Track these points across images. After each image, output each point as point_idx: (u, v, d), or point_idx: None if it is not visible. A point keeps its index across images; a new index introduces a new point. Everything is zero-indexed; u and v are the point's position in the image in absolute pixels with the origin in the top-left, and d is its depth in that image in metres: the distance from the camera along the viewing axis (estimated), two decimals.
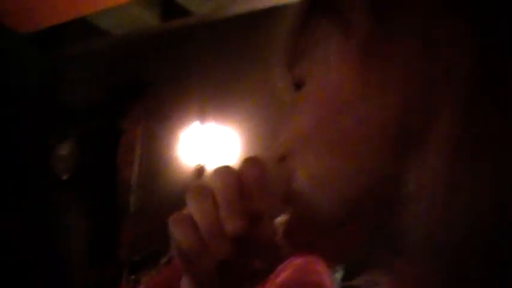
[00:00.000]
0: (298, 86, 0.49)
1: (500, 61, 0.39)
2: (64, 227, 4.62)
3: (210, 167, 4.35)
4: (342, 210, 0.44)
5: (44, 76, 5.01)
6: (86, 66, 4.97)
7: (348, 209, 0.44)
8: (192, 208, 0.45)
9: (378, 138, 0.42)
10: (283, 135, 0.49)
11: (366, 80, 0.43)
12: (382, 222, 0.43)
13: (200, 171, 4.38)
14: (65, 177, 4.79)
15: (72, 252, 4.57)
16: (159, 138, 4.57)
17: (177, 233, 0.45)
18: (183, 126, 4.47)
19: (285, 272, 2.91)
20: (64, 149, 4.82)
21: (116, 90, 4.67)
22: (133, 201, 4.55)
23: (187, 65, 4.46)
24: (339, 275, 2.17)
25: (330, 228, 0.45)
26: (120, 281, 3.98)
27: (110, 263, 4.20)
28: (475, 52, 0.39)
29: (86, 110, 4.80)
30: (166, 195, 4.39)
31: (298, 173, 0.46)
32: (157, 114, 4.55)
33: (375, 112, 0.42)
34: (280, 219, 0.47)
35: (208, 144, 4.34)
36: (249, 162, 0.46)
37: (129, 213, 4.51)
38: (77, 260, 4.51)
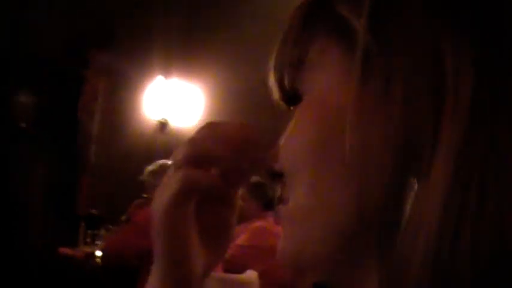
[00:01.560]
0: (295, 96, 0.47)
1: (505, 76, 0.37)
2: (22, 176, 4.54)
3: (173, 122, 4.32)
4: (335, 243, 0.42)
5: (3, 22, 4.82)
6: (49, 12, 4.80)
7: (343, 241, 0.42)
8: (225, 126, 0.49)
9: (381, 160, 0.39)
10: (281, 150, 0.47)
11: (369, 99, 0.40)
12: (380, 254, 0.40)
13: (163, 125, 4.34)
14: (23, 125, 4.68)
15: (29, 203, 4.51)
16: (122, 90, 4.49)
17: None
18: (147, 80, 4.40)
19: (244, 234, 2.94)
20: (23, 97, 4.69)
21: (80, 39, 4.55)
22: (93, 153, 4.50)
23: (153, 19, 4.36)
24: None
25: (320, 260, 0.43)
26: (78, 234, 3.97)
27: (67, 216, 4.17)
28: (479, 68, 0.37)
29: (47, 57, 4.66)
30: (128, 148, 4.36)
31: (294, 193, 0.44)
32: (121, 66, 4.46)
33: (378, 133, 0.39)
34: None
35: (171, 99, 4.30)
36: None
37: (89, 165, 4.46)
38: (34, 211, 4.46)
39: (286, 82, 0.48)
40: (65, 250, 3.70)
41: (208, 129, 0.49)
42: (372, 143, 0.39)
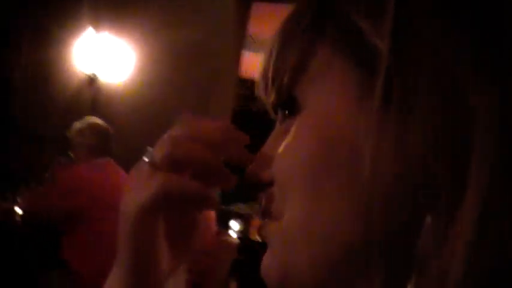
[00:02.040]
0: (292, 104, 0.44)
1: None
2: None
3: (102, 77, 4.20)
4: (320, 273, 0.41)
5: None
6: None
7: (329, 273, 0.40)
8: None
9: (393, 193, 0.37)
10: (276, 161, 0.44)
11: (383, 130, 0.37)
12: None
13: (92, 80, 4.22)
14: None
15: None
16: (50, 41, 4.30)
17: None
18: (76, 32, 4.24)
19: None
20: None
21: None
22: (18, 105, 4.31)
23: None
24: None
25: (308, 282, 0.41)
26: None
27: None
28: (507, 107, 0.34)
29: None
30: (55, 101, 4.22)
31: (290, 208, 0.42)
32: (49, 16, 4.26)
33: (394, 165, 0.37)
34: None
35: (101, 53, 4.17)
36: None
37: (14, 116, 4.28)
38: None
39: (284, 88, 0.44)
40: None
41: (187, 128, 0.46)
42: (387, 172, 0.37)
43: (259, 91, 0.48)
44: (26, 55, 4.32)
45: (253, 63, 4.54)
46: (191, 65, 3.95)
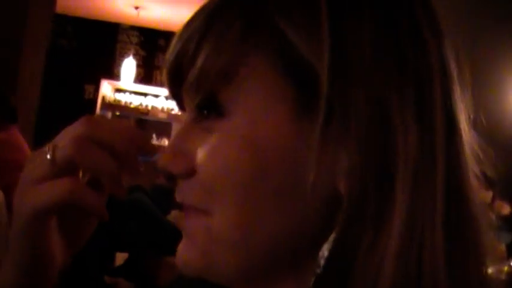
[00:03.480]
0: (213, 108, 0.44)
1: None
2: None
3: None
4: (245, 267, 0.43)
5: None
6: None
7: (253, 268, 0.43)
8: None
9: (312, 201, 0.41)
10: (204, 162, 0.43)
11: (323, 144, 0.40)
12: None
13: None
14: None
15: None
16: None
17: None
18: None
19: None
20: None
21: None
22: None
23: None
24: None
25: (229, 276, 0.44)
26: None
27: None
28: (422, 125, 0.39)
29: None
30: None
31: (222, 209, 0.42)
32: None
33: (324, 176, 0.40)
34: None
35: None
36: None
37: None
38: None
39: (209, 90, 0.43)
40: None
41: (91, 129, 0.44)
42: (325, 183, 0.40)
43: (168, 79, 0.47)
44: None
45: None
46: None
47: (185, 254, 0.45)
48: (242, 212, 0.42)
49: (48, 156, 0.44)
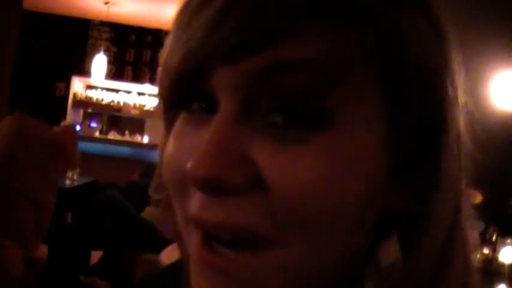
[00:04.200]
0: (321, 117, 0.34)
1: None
2: None
3: None
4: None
5: None
6: None
7: None
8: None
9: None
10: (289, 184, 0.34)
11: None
12: None
13: None
14: None
15: None
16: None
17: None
18: None
19: None
20: None
21: None
22: None
23: None
24: None
25: None
26: None
27: None
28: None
29: None
30: None
31: (302, 242, 0.35)
32: None
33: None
34: None
35: None
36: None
37: None
38: None
39: (315, 96, 0.34)
40: None
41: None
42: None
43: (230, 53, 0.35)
44: None
45: None
46: None
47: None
48: (320, 244, 0.35)
49: None
